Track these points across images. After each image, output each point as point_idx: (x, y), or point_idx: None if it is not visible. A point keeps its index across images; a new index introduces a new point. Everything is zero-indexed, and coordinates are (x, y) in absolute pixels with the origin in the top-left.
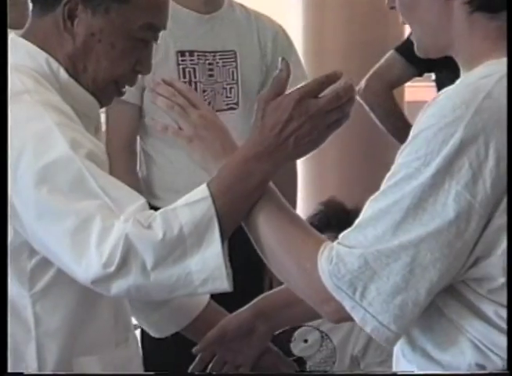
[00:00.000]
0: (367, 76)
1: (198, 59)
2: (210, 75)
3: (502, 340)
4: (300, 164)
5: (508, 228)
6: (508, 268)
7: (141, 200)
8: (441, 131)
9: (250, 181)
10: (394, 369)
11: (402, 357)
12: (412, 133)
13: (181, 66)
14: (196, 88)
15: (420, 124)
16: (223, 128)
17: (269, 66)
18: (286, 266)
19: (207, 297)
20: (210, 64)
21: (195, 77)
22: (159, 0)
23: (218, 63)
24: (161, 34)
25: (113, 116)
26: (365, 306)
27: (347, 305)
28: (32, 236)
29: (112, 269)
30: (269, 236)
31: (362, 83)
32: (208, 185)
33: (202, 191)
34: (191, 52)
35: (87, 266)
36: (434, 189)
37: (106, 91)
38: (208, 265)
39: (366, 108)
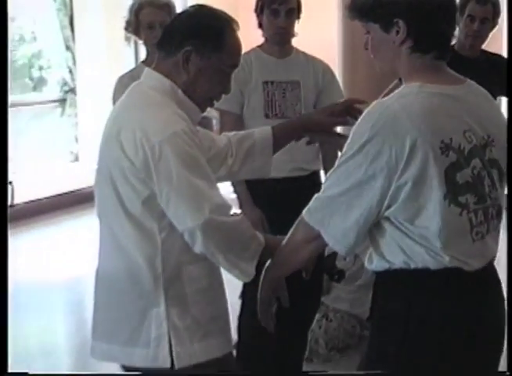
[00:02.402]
0: (380, 97)
1: (276, 86)
2: (284, 96)
3: (417, 247)
4: None
5: (508, 226)
6: (508, 263)
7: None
8: (360, 129)
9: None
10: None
11: (367, 259)
12: None
13: (265, 91)
14: (275, 105)
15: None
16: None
17: (320, 90)
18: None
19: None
20: (284, 89)
21: (274, 97)
22: (238, 50)
23: (289, 88)
24: (252, 71)
25: (225, 122)
26: (329, 232)
27: (322, 231)
28: (159, 195)
29: (213, 230)
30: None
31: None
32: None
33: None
34: (272, 82)
35: (199, 214)
36: (355, 163)
37: (205, 104)
38: (247, 272)
39: None
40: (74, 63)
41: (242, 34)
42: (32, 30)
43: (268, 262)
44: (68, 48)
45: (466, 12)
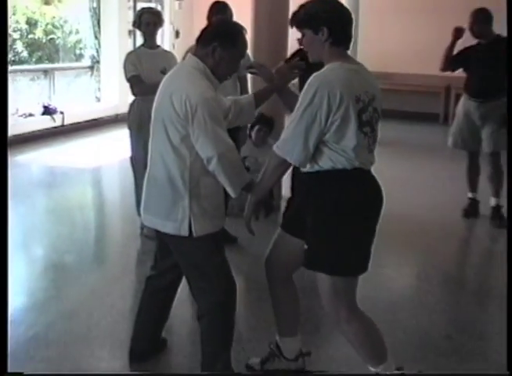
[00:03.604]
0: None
1: None
2: None
3: (340, 157)
4: None
5: (508, 224)
6: (508, 259)
7: None
8: (308, 91)
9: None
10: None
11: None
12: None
13: None
14: None
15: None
16: None
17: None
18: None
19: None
20: None
21: None
22: (246, 46)
23: None
24: None
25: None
26: (295, 158)
27: (289, 158)
28: (192, 135)
29: (223, 159)
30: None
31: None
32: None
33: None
34: None
35: (217, 149)
36: (308, 111)
37: (223, 78)
38: (235, 191)
39: None
40: (99, 46)
41: None
42: (77, 27)
43: (253, 189)
44: (96, 38)
45: None
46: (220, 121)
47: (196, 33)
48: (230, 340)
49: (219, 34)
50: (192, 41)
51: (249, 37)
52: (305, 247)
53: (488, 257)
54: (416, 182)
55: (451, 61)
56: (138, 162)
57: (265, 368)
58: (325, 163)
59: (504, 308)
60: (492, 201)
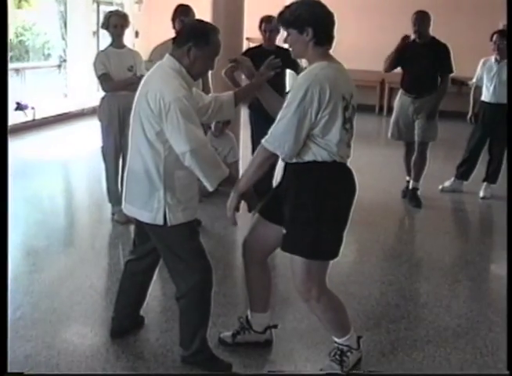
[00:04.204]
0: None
1: None
2: None
3: (323, 151)
4: None
5: (508, 225)
6: (508, 256)
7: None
8: (300, 88)
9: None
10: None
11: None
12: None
13: None
14: None
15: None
16: None
17: None
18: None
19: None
20: None
21: None
22: (219, 45)
23: None
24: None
25: None
26: (286, 152)
27: (279, 152)
28: (166, 131)
29: (196, 155)
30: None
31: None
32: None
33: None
34: None
35: (190, 144)
36: (299, 106)
37: (197, 77)
38: (211, 185)
39: None
40: (66, 46)
41: None
42: (45, 30)
43: (237, 182)
44: (63, 38)
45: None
46: (193, 118)
47: (154, 33)
48: (207, 318)
49: (193, 34)
50: (150, 41)
51: None
52: (284, 232)
53: (418, 233)
54: (358, 166)
55: (393, 62)
56: (109, 151)
57: (236, 341)
58: (308, 156)
59: (440, 276)
60: (411, 184)
